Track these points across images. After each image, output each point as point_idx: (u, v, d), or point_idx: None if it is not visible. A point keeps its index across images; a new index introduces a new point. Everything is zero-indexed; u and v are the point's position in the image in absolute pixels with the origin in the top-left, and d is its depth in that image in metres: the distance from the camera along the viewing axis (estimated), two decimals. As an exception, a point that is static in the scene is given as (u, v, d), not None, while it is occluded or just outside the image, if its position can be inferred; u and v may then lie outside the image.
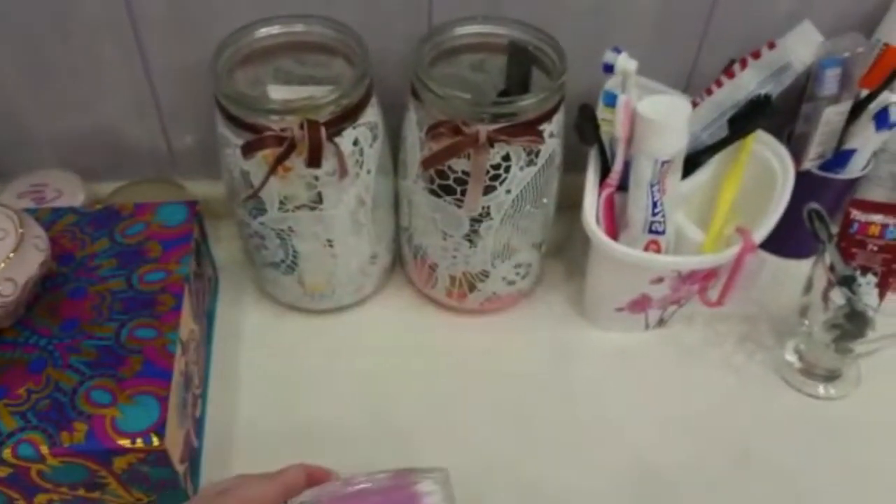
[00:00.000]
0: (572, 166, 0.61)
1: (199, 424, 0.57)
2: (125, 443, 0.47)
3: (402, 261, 0.68)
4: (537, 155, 0.55)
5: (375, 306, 0.67)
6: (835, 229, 0.59)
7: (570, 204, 0.64)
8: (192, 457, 0.55)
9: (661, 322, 0.65)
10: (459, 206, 0.56)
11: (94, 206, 0.61)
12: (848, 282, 0.55)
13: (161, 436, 0.47)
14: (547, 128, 0.54)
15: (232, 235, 0.70)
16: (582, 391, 0.62)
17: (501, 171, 0.54)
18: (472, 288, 0.63)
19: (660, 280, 0.60)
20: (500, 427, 0.59)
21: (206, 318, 0.63)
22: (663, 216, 0.59)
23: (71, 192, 0.66)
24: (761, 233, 0.59)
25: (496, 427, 0.59)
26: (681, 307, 0.64)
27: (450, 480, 0.48)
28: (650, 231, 0.59)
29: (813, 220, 0.56)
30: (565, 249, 0.72)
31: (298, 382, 0.61)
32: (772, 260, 0.70)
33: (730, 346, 0.66)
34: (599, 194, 0.59)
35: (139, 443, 0.47)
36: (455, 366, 0.63)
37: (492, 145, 0.52)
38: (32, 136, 0.68)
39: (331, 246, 0.59)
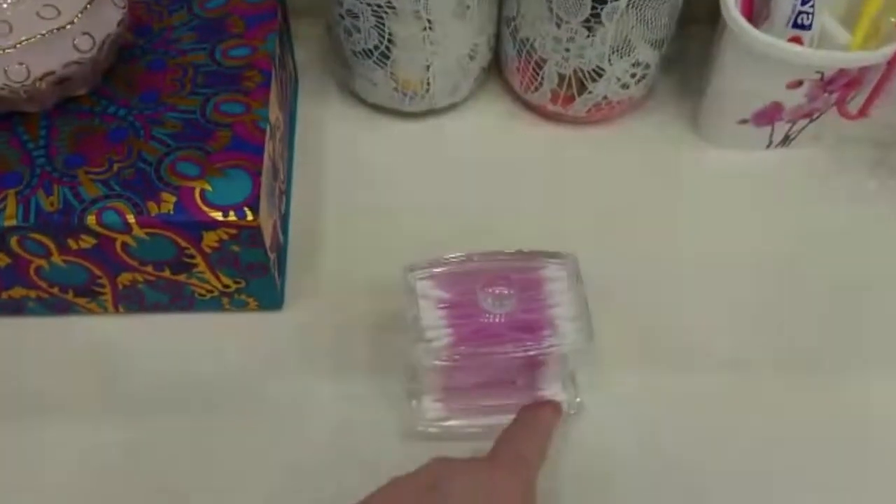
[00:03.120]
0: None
1: (284, 221, 0.53)
2: (217, 215, 0.43)
3: (500, 64, 0.61)
4: (679, -81, 0.47)
5: (470, 111, 0.61)
6: None
7: (685, 18, 0.57)
8: (279, 252, 0.51)
9: (786, 140, 0.59)
10: (583, -18, 0.49)
11: (169, -18, 0.56)
12: None
13: (255, 210, 0.43)
14: None
15: (312, 36, 0.64)
16: (693, 214, 0.56)
17: (637, -64, 0.47)
18: (581, 90, 0.57)
19: (798, 84, 0.53)
20: (602, 247, 0.53)
21: (289, 119, 0.58)
22: (812, 6, 0.51)
23: (142, -30, 0.60)
24: (921, 33, 0.51)
25: (596, 246, 0.53)
26: (812, 122, 0.57)
27: (578, 267, 0.44)
28: (794, 25, 0.52)
29: None
30: (678, 66, 0.64)
31: (385, 188, 0.57)
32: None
33: (861, 170, 0.59)
34: (740, -21, 0.52)
35: (231, 216, 0.43)
36: (556, 180, 0.58)
37: None
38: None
39: (430, 30, 0.53)
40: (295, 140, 0.59)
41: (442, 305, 0.43)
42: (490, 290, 0.42)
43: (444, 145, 0.60)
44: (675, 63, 0.64)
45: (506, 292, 0.42)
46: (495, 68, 0.62)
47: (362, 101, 0.61)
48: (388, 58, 0.55)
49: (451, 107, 0.60)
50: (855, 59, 0.51)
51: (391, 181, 0.57)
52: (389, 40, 0.53)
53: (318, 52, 0.64)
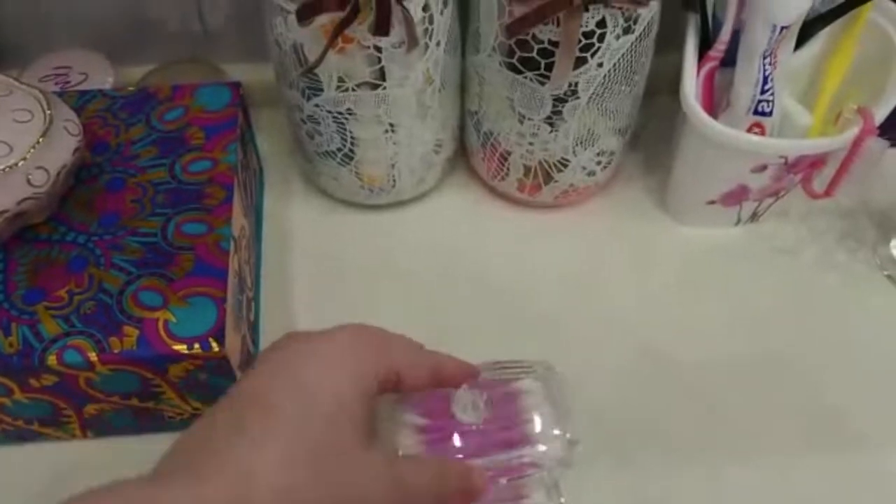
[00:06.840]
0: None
1: (254, 329, 0.53)
2: (181, 349, 0.42)
3: (466, 151, 0.61)
4: (636, 21, 0.47)
5: (437, 201, 0.61)
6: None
7: (647, 91, 0.57)
8: (251, 364, 0.50)
9: (754, 217, 0.59)
10: (543, 83, 0.49)
11: (126, 90, 0.55)
12: None
13: (220, 341, 0.43)
14: (649, -12, 0.46)
15: (275, 125, 0.63)
16: (666, 291, 0.56)
17: (595, 39, 0.47)
18: (547, 179, 0.56)
19: (763, 168, 0.53)
20: (577, 330, 0.54)
21: (255, 216, 0.57)
22: (772, 94, 0.51)
23: (98, 75, 0.59)
24: (880, 113, 0.52)
25: (572, 330, 0.54)
26: (778, 199, 0.58)
27: (554, 376, 0.43)
28: (756, 112, 0.52)
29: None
30: (642, 139, 0.64)
31: (356, 283, 0.56)
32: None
33: (829, 242, 0.59)
34: (699, 70, 0.52)
35: (196, 348, 0.42)
36: (526, 265, 0.57)
37: (587, 8, 0.45)
38: (52, 13, 0.61)
39: (393, 131, 0.52)
40: (262, 235, 0.59)
41: (418, 432, 0.42)
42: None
43: (413, 236, 0.59)
44: (639, 137, 0.64)
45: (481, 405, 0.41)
46: (462, 154, 0.62)
47: (328, 194, 0.60)
48: (351, 158, 0.54)
49: (420, 196, 0.60)
50: (816, 145, 0.51)
51: (360, 275, 0.57)
52: (352, 143, 0.53)
53: (281, 141, 0.63)
